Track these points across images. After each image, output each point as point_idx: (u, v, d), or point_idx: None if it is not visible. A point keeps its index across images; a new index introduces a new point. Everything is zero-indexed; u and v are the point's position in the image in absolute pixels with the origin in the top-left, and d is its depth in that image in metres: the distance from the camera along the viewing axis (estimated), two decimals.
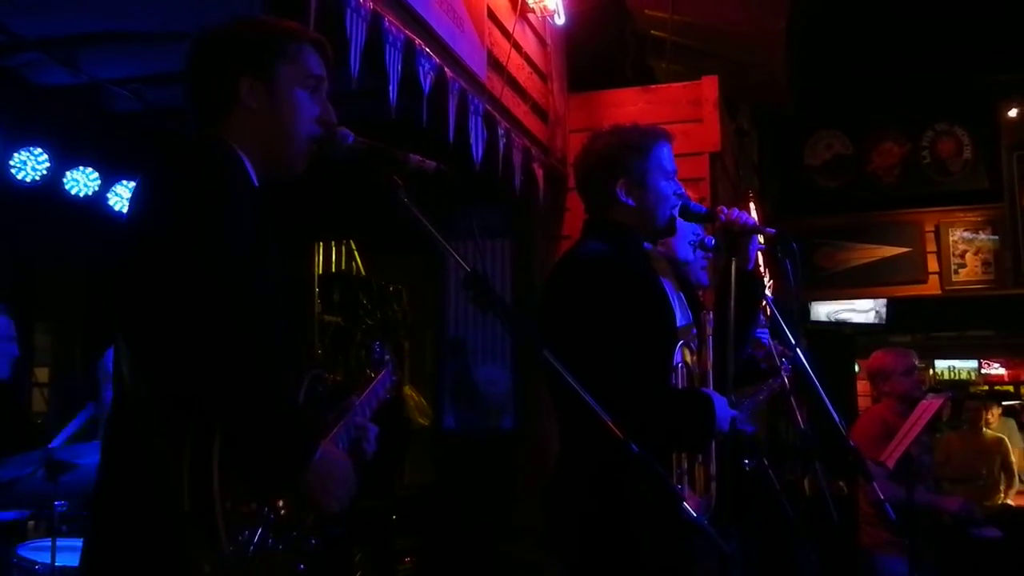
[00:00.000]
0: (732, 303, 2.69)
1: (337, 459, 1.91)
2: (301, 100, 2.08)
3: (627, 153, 2.81)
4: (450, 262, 6.23)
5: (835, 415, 3.14)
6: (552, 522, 2.64)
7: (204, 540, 1.69)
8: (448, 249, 2.10)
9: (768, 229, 2.92)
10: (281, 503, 1.86)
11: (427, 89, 3.85)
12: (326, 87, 2.14)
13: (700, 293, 3.28)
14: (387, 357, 2.47)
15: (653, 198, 2.79)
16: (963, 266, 9.35)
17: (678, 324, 2.71)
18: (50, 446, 3.65)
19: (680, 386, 2.63)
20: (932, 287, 9.44)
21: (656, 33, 6.55)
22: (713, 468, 2.58)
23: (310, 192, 2.11)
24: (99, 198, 5.48)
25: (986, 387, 14.47)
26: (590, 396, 1.92)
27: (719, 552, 2.12)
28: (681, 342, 2.67)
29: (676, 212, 2.84)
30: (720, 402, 2.55)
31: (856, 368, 13.32)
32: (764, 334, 3.70)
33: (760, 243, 3.12)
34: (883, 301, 10.55)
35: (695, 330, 2.75)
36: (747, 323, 2.85)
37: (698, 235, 3.22)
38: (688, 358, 2.67)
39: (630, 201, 2.79)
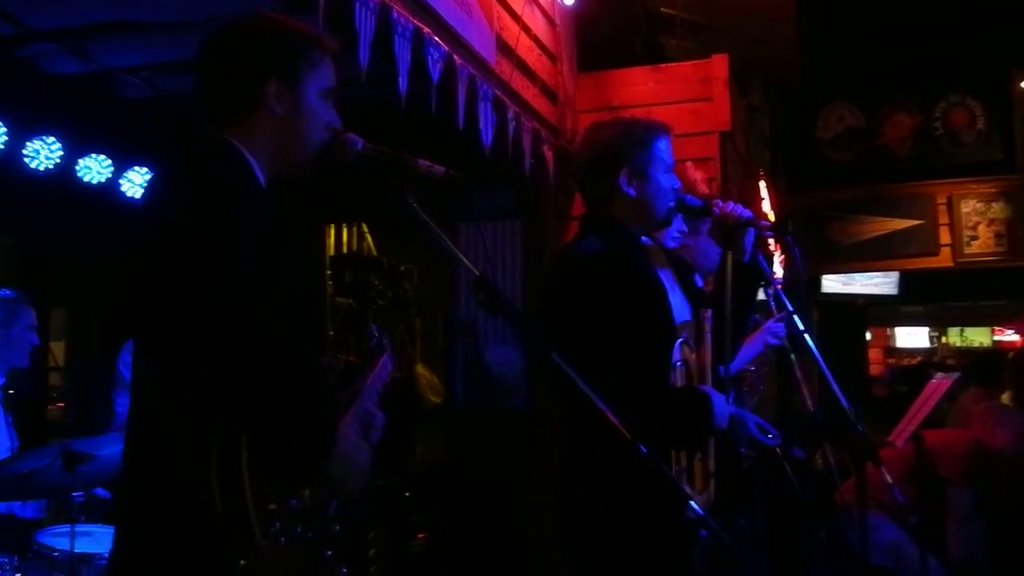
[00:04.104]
0: (729, 296, 2.72)
1: (354, 442, 1.97)
2: (319, 107, 2.09)
3: (630, 145, 2.83)
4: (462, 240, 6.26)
5: (842, 397, 3.16)
6: (562, 523, 2.68)
7: (238, 535, 1.74)
8: (457, 254, 2.12)
9: (763, 222, 2.94)
10: (307, 493, 1.91)
11: (436, 78, 3.85)
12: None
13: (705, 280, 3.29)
14: (385, 341, 2.48)
15: (653, 190, 2.81)
16: (975, 238, 9.30)
17: (677, 321, 2.73)
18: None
19: (679, 384, 2.66)
20: (944, 259, 9.40)
21: (666, 10, 6.51)
22: (712, 464, 2.61)
23: (320, 177, 2.13)
24: (112, 184, 5.50)
25: None
26: (598, 397, 1.95)
27: (723, 548, 2.15)
28: (680, 340, 2.69)
29: (672, 205, 2.87)
30: (718, 399, 2.59)
31: (868, 337, 13.33)
32: (779, 327, 3.71)
33: (767, 232, 3.13)
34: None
35: (694, 321, 2.77)
36: (744, 315, 2.90)
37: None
38: (687, 355, 2.70)
39: (631, 192, 2.80)
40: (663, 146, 2.84)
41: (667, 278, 2.82)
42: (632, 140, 2.83)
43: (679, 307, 2.77)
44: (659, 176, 2.82)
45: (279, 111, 2.03)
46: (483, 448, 6.36)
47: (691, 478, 2.59)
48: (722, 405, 2.58)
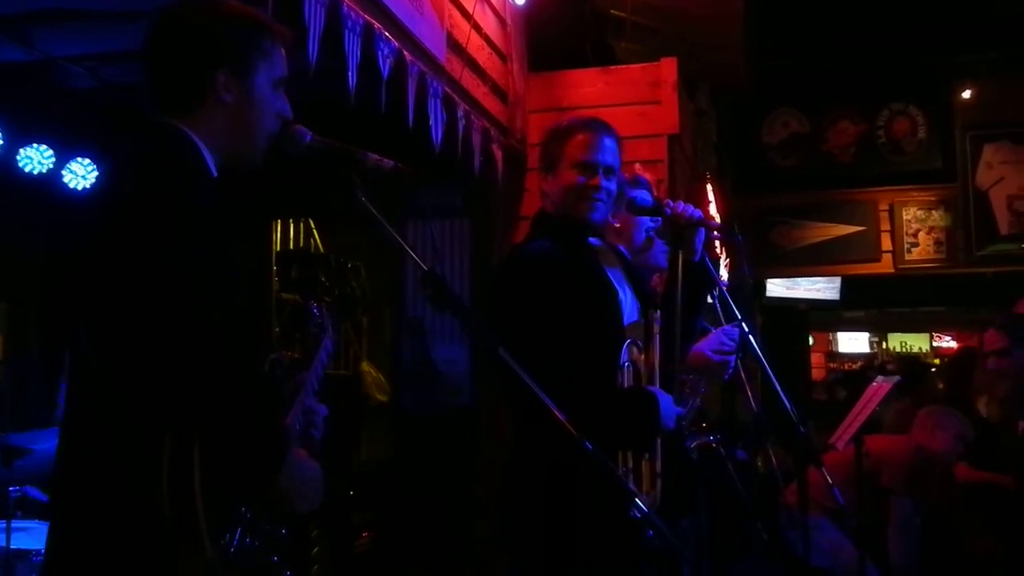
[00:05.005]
0: (679, 295, 2.75)
1: (304, 461, 1.93)
2: (270, 97, 2.06)
3: (546, 146, 2.91)
4: (409, 237, 6.24)
5: (785, 399, 3.18)
6: (506, 521, 2.68)
7: (187, 546, 1.70)
8: (406, 248, 2.12)
9: (713, 223, 2.97)
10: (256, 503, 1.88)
11: (386, 74, 3.83)
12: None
13: (655, 278, 3.31)
14: (326, 321, 2.46)
15: (559, 192, 2.83)
16: (916, 245, 9.49)
17: (625, 322, 2.75)
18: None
19: (627, 384, 2.67)
20: (885, 265, 9.58)
21: (616, 13, 6.55)
22: (659, 465, 2.62)
23: (268, 171, 2.10)
24: (54, 175, 5.42)
25: (938, 360, 14.72)
26: (545, 395, 1.95)
27: (668, 547, 2.17)
28: (628, 340, 2.70)
29: (599, 210, 2.87)
30: (665, 400, 2.61)
31: (810, 341, 13.52)
32: (733, 332, 3.72)
33: (715, 233, 3.16)
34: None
35: (643, 322, 2.79)
36: (694, 314, 2.91)
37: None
38: (635, 355, 2.71)
39: (548, 193, 2.86)
40: (574, 143, 2.85)
41: (617, 277, 2.83)
42: (546, 142, 2.93)
43: (629, 307, 2.79)
44: (564, 177, 2.83)
45: (229, 100, 2.00)
46: (428, 446, 6.35)
47: (638, 478, 2.59)
48: (669, 406, 2.60)
